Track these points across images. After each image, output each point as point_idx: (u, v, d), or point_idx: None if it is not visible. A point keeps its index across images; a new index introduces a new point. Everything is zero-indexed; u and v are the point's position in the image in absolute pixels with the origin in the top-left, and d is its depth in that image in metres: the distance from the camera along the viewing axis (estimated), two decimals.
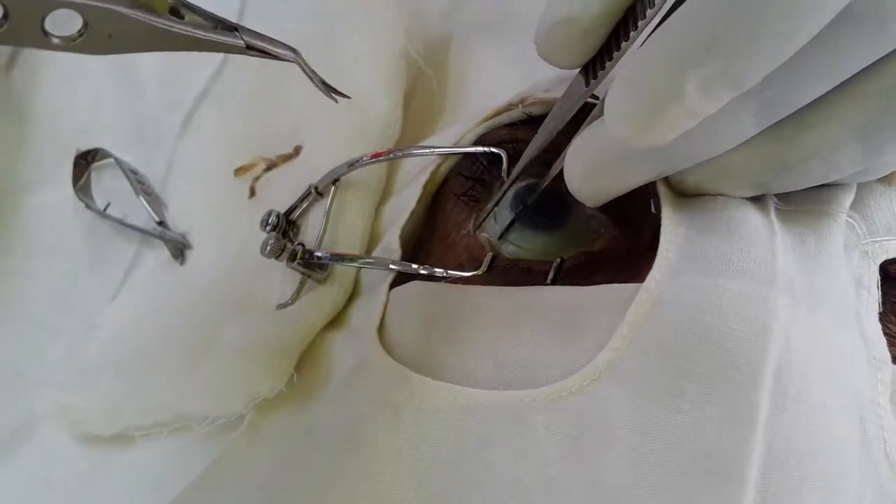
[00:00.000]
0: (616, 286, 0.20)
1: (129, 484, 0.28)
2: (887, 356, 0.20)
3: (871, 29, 0.17)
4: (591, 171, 0.22)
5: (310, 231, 0.29)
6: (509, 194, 0.25)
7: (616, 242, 0.24)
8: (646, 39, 0.18)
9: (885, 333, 0.21)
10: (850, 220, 0.22)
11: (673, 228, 0.21)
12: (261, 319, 0.26)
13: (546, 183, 0.24)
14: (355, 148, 0.29)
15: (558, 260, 0.23)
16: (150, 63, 0.37)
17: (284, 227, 0.29)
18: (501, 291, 0.22)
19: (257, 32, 0.19)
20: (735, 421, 0.17)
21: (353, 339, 0.25)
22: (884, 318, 0.21)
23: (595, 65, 0.20)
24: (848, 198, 0.22)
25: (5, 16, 0.16)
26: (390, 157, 0.28)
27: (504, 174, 0.26)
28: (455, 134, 0.27)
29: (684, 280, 0.19)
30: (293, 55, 0.20)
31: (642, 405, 0.18)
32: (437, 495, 0.19)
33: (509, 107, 0.27)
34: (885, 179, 0.24)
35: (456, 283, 0.24)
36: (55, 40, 0.17)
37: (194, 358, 0.26)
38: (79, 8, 0.17)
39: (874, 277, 0.21)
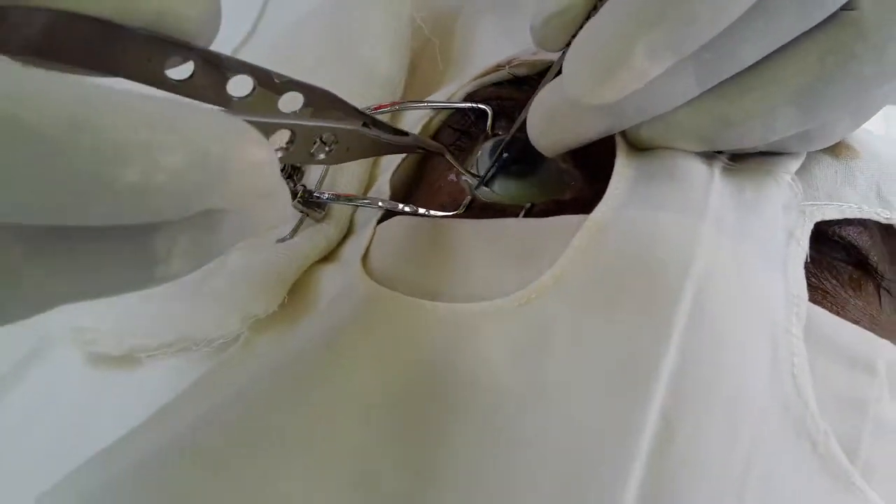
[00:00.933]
0: (569, 217, 0.23)
1: (134, 401, 0.30)
2: (805, 294, 0.22)
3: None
4: (548, 123, 0.24)
5: (313, 177, 0.31)
6: (488, 145, 0.27)
7: (584, 191, 0.26)
8: (597, 10, 0.20)
9: (812, 285, 0.23)
10: (792, 183, 0.24)
11: (623, 171, 0.23)
12: (260, 250, 0.29)
13: (513, 132, 0.26)
14: (359, 104, 0.31)
15: (529, 204, 0.25)
16: None
17: (290, 171, 0.31)
18: (470, 223, 0.25)
19: (418, 136, 0.26)
20: (653, 332, 0.19)
21: (342, 269, 0.28)
22: (814, 269, 0.23)
23: None
24: (794, 164, 0.24)
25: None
26: (390, 109, 0.30)
27: (488, 129, 0.28)
28: (449, 91, 0.30)
29: (627, 212, 0.22)
30: (441, 148, 0.27)
31: (581, 317, 0.20)
32: (402, 395, 0.21)
33: (497, 67, 0.29)
34: (834, 152, 0.26)
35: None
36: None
37: (197, 283, 0.29)
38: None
39: (807, 232, 0.23)
